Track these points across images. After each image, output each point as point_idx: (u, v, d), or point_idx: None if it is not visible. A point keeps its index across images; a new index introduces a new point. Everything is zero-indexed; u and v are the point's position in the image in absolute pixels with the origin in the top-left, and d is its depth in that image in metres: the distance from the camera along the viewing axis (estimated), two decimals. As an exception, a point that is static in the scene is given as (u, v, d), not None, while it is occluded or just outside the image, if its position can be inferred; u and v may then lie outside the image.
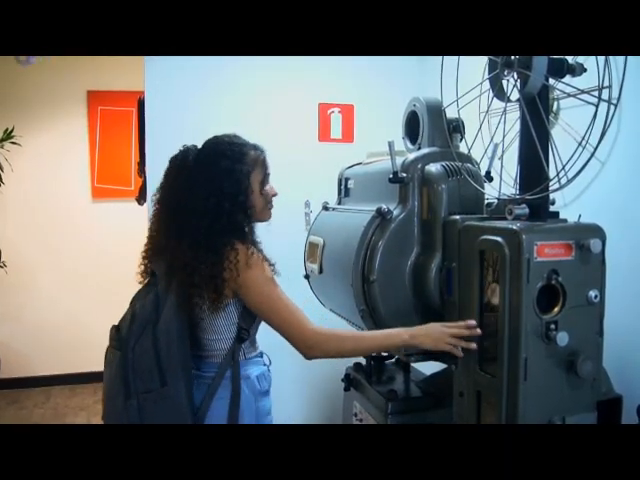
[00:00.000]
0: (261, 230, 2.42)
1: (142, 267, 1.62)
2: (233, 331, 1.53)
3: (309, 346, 1.45)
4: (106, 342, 1.50)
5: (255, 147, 1.58)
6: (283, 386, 2.86)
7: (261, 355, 1.64)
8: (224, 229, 1.46)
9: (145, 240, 1.64)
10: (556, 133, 1.60)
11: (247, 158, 1.53)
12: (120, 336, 1.44)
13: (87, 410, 4.08)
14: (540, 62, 1.22)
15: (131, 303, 1.54)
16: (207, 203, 1.46)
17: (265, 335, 2.87)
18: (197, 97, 2.67)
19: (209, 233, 1.45)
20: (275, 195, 1.65)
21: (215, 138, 1.57)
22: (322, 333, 1.46)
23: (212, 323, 1.51)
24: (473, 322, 1.30)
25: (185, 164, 1.53)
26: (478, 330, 1.29)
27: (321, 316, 2.05)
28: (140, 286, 1.61)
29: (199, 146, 1.57)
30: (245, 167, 1.51)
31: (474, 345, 1.29)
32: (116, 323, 1.52)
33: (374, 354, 1.98)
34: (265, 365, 1.63)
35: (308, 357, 1.47)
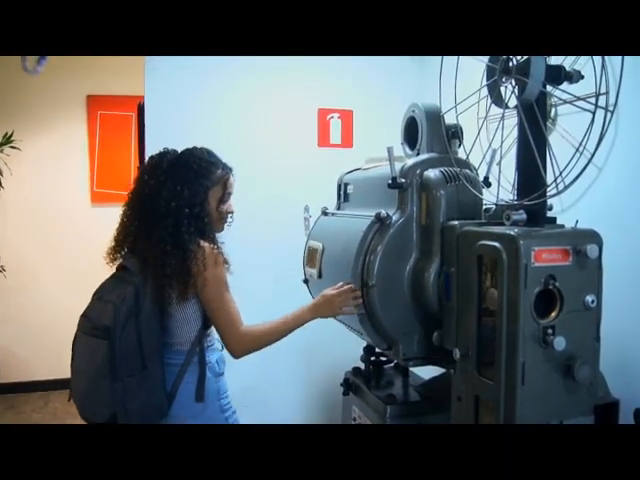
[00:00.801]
0: (260, 234, 2.44)
1: (111, 254, 1.82)
2: (199, 320, 1.70)
3: (240, 349, 1.68)
4: None
5: (224, 167, 1.78)
6: (281, 391, 2.88)
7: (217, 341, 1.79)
8: (187, 229, 1.64)
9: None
10: (554, 139, 1.61)
11: (211, 175, 1.73)
12: (104, 326, 1.57)
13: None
14: (538, 69, 1.23)
15: (97, 294, 1.70)
16: (169, 205, 1.65)
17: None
18: (197, 102, 2.68)
19: (174, 232, 1.63)
20: (231, 213, 1.82)
21: (190, 150, 1.76)
22: (249, 334, 1.67)
23: (181, 313, 1.68)
24: (352, 285, 1.59)
25: (160, 165, 1.71)
26: (358, 292, 1.58)
27: (321, 320, 2.06)
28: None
29: (179, 151, 1.76)
30: (206, 182, 1.71)
31: (360, 301, 1.57)
32: (79, 320, 1.70)
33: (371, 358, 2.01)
34: (220, 350, 1.79)
35: (236, 356, 1.69)
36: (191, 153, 1.75)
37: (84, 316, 1.66)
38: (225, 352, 1.75)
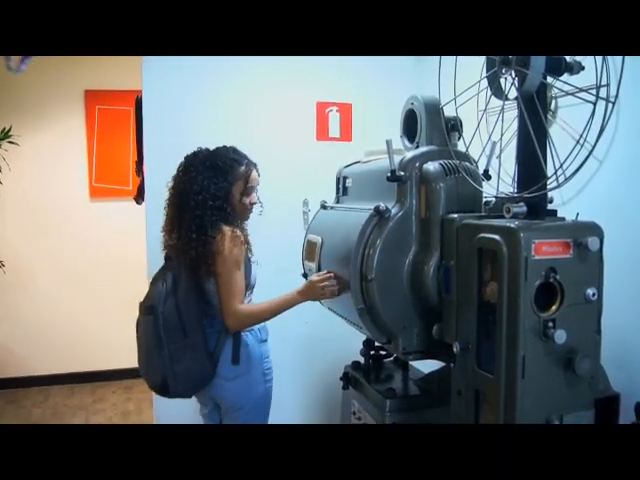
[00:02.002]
0: (259, 230, 2.43)
1: (163, 246, 2.07)
2: None
3: (233, 323, 1.91)
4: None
5: (247, 164, 2.02)
6: (281, 385, 2.86)
7: None
8: (210, 219, 1.90)
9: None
10: (554, 131, 1.60)
11: (234, 171, 1.98)
12: (150, 305, 1.90)
13: (86, 410, 4.08)
14: (538, 60, 1.22)
15: (152, 283, 2.00)
16: (197, 198, 1.91)
17: (269, 335, 2.86)
18: (195, 95, 2.67)
19: (199, 222, 1.90)
20: (254, 204, 2.05)
21: (218, 149, 2.02)
22: (243, 311, 1.92)
23: (214, 287, 1.94)
24: (332, 274, 1.80)
25: (192, 163, 1.98)
26: (333, 280, 1.80)
27: (321, 314, 2.05)
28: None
29: (210, 149, 2.02)
30: (230, 178, 1.97)
31: (335, 287, 1.79)
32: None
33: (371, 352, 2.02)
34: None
35: (230, 329, 1.93)
36: (218, 152, 2.00)
37: (141, 301, 1.97)
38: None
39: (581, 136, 1.19)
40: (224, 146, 2.04)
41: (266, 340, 2.07)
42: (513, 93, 1.31)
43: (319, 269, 1.88)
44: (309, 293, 1.89)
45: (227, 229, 1.90)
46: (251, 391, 1.99)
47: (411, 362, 1.96)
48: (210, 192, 1.91)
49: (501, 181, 1.39)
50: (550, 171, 1.25)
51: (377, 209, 1.54)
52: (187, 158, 2.01)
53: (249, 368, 1.98)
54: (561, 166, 1.21)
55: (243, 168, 1.99)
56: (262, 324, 2.03)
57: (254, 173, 2.03)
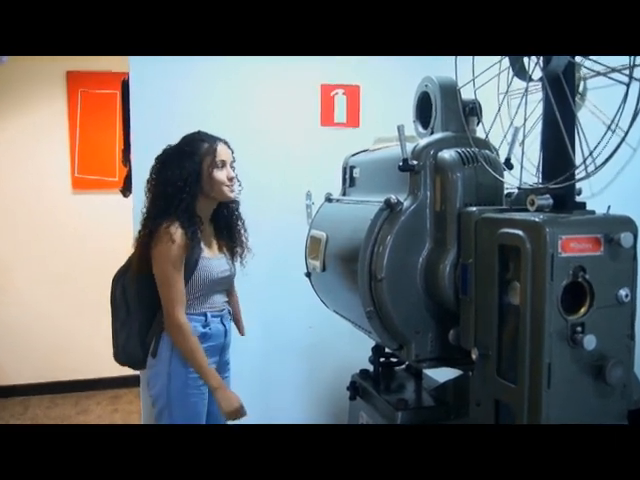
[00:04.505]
0: (258, 223, 2.44)
1: None
2: None
3: (169, 332, 2.07)
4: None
5: (212, 140, 2.13)
6: (284, 394, 2.88)
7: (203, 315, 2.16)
8: (165, 210, 2.04)
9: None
10: (583, 116, 1.59)
11: (199, 150, 2.09)
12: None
13: (69, 422, 4.10)
14: (565, 37, 1.21)
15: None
16: (167, 190, 2.05)
17: (264, 342, 2.86)
18: (186, 77, 2.67)
19: (147, 215, 2.10)
20: (232, 178, 2.14)
21: (184, 136, 2.15)
22: (178, 331, 2.04)
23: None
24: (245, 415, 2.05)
25: (162, 160, 2.13)
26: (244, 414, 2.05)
27: (326, 317, 2.04)
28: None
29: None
30: (197, 157, 2.08)
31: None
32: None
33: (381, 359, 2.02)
34: (214, 318, 2.17)
35: (167, 331, 2.08)
36: (183, 138, 2.14)
37: None
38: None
39: (612, 121, 1.19)
40: (191, 132, 2.16)
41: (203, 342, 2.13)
42: (538, 73, 1.31)
43: (324, 268, 1.88)
44: (225, 403, 2.03)
45: (163, 224, 2.01)
46: (158, 383, 2.11)
47: (425, 370, 1.96)
48: (173, 178, 2.04)
49: (524, 171, 1.39)
50: (578, 160, 1.25)
51: (388, 202, 1.55)
52: (156, 159, 2.15)
53: (164, 365, 2.09)
54: (590, 154, 1.21)
55: (207, 144, 2.10)
56: (203, 322, 2.13)
57: (221, 147, 2.13)
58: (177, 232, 2.00)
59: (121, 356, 2.24)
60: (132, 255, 2.18)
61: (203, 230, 2.12)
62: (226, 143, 2.17)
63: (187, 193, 2.05)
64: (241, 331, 2.42)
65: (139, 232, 2.12)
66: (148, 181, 2.14)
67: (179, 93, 2.66)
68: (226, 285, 2.26)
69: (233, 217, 2.27)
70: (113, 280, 2.25)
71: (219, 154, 2.11)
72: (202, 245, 2.11)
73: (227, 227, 2.27)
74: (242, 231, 2.28)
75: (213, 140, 2.13)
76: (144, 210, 2.14)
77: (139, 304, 2.17)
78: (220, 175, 2.10)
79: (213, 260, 2.15)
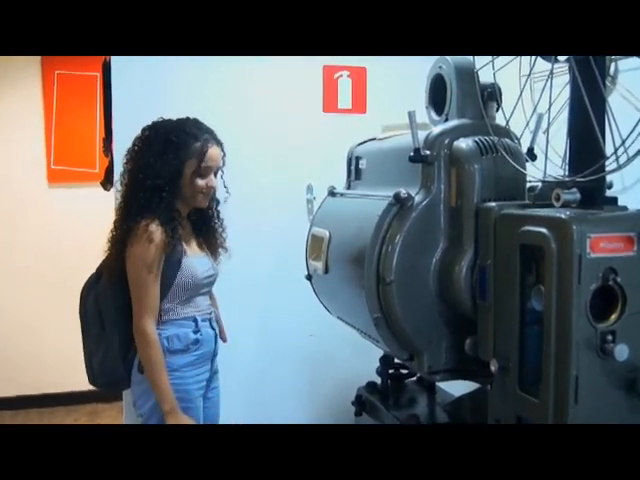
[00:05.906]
0: (254, 220, 2.44)
1: None
2: None
3: (136, 337, 2.05)
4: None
5: (206, 140, 2.09)
6: (283, 409, 2.88)
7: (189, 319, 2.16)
8: (146, 207, 2.02)
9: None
10: (614, 100, 1.59)
11: (187, 147, 2.06)
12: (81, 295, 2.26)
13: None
14: (595, 13, 1.21)
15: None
16: (138, 177, 2.05)
17: (261, 351, 2.87)
18: (176, 60, 2.65)
19: (124, 210, 2.10)
20: (211, 188, 2.15)
21: (180, 120, 2.11)
22: (145, 339, 2.03)
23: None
24: None
25: (148, 135, 2.10)
26: None
27: (329, 325, 2.04)
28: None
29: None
30: (182, 154, 2.05)
31: None
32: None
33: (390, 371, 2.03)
34: (188, 325, 2.15)
35: (134, 334, 2.06)
36: (177, 123, 2.10)
37: None
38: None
39: (648, 106, 1.19)
40: (187, 118, 2.13)
41: (183, 350, 2.13)
42: (564, 54, 1.31)
43: (327, 270, 1.88)
44: (171, 416, 2.00)
45: (142, 222, 2.01)
46: (149, 401, 2.09)
47: (438, 383, 1.97)
48: (155, 170, 2.02)
49: (549, 162, 1.39)
50: (609, 150, 1.25)
51: (397, 196, 1.54)
52: (143, 130, 2.12)
53: (144, 377, 2.09)
54: (623, 143, 1.21)
55: (199, 144, 2.07)
56: (175, 331, 2.12)
57: (213, 151, 2.11)
58: (157, 231, 2.01)
59: (99, 379, 2.21)
60: (105, 259, 2.16)
61: (183, 227, 2.15)
62: (220, 144, 2.15)
63: (167, 192, 2.05)
64: (223, 337, 2.39)
65: (113, 231, 2.11)
66: (124, 167, 2.13)
67: (167, 76, 2.65)
68: (210, 286, 2.28)
69: (211, 213, 2.29)
70: (82, 292, 2.23)
71: (207, 159, 2.10)
72: (183, 243, 2.12)
73: (205, 224, 2.29)
74: (220, 230, 2.31)
75: (205, 141, 2.10)
76: (121, 203, 2.13)
77: (117, 315, 2.13)
78: (201, 183, 2.11)
79: (196, 259, 2.17)
